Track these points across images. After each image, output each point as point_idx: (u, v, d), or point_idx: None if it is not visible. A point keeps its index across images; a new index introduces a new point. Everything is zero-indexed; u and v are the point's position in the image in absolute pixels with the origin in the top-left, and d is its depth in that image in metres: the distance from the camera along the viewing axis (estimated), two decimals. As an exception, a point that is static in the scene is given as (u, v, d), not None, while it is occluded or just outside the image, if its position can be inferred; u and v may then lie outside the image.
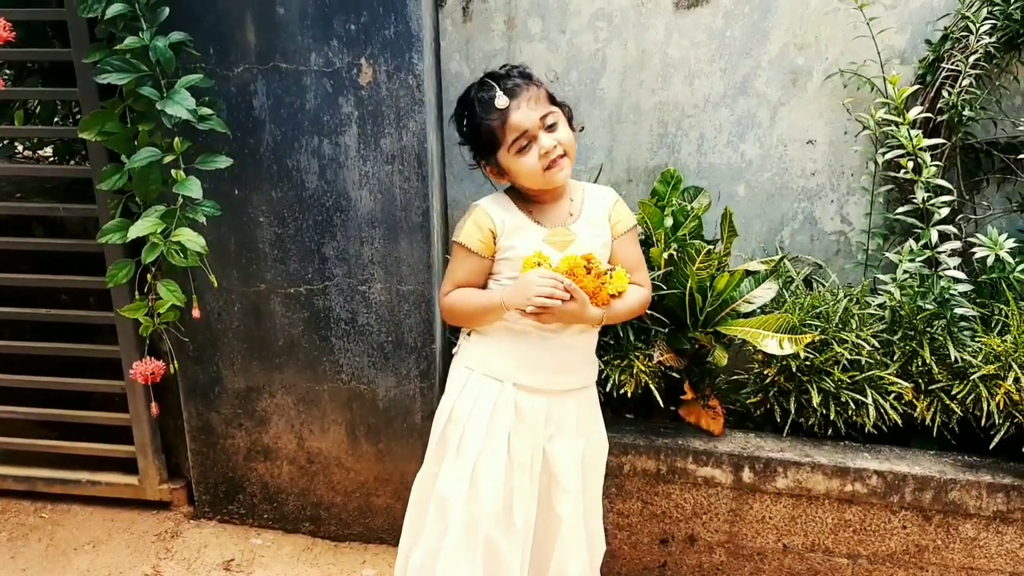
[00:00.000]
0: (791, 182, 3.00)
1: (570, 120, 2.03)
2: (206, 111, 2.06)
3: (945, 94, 2.69)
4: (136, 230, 1.97)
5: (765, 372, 2.64)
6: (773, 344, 2.44)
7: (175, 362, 2.41)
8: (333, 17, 2.27)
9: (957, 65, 2.65)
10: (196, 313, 2.21)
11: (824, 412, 2.60)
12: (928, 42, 2.76)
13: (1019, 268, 2.61)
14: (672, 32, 2.82)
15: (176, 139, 2.04)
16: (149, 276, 2.20)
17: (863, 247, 2.93)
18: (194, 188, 1.99)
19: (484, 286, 2.10)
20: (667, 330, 2.66)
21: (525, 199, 2.06)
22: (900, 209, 2.62)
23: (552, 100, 1.99)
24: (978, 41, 2.59)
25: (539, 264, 1.92)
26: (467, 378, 2.10)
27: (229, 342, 2.65)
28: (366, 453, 2.73)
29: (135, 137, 2.15)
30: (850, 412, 2.58)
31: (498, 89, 1.90)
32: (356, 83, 2.33)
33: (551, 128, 1.94)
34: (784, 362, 2.57)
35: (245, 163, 2.42)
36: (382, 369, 2.62)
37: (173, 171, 2.02)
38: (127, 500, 2.97)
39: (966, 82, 2.64)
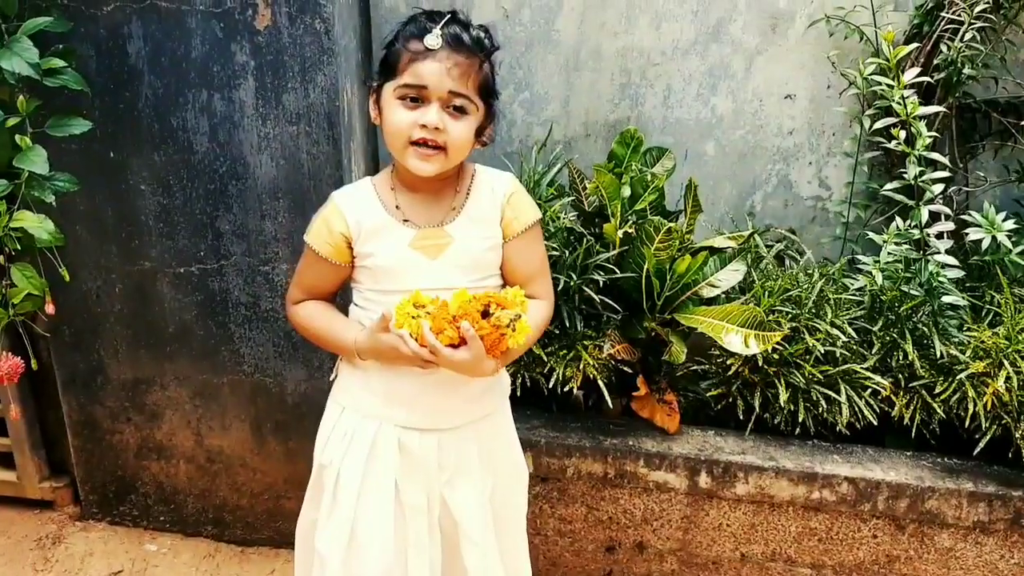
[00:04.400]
0: (766, 140, 2.77)
1: (482, 128, 1.60)
2: (58, 63, 1.69)
3: (944, 48, 2.41)
4: (-33, 211, 1.63)
5: (728, 363, 2.39)
6: (737, 341, 2.16)
7: (35, 357, 2.03)
8: (222, -54, 1.90)
9: (959, 15, 2.35)
10: (50, 308, 1.86)
11: (792, 409, 2.36)
12: (927, -14, 2.49)
13: (1017, 251, 2.34)
14: (638, -33, 2.55)
15: (20, 98, 1.68)
16: (0, 259, 1.86)
17: (842, 219, 2.67)
18: (37, 160, 1.63)
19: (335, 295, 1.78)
20: (620, 317, 2.38)
21: (398, 185, 1.66)
22: (889, 186, 2.33)
23: (484, 91, 1.55)
24: (985, -12, 2.31)
25: (416, 310, 1.48)
26: (339, 415, 1.76)
27: (111, 327, 2.33)
28: (274, 452, 2.44)
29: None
30: (821, 410, 2.35)
31: (441, 28, 1.49)
32: (252, 27, 1.97)
33: (455, 112, 1.52)
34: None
35: (121, 121, 2.07)
36: (290, 360, 2.32)
37: (17, 137, 1.66)
38: (7, 498, 2.67)
39: (969, 35, 2.35)
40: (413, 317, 1.47)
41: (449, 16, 1.51)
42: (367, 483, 1.68)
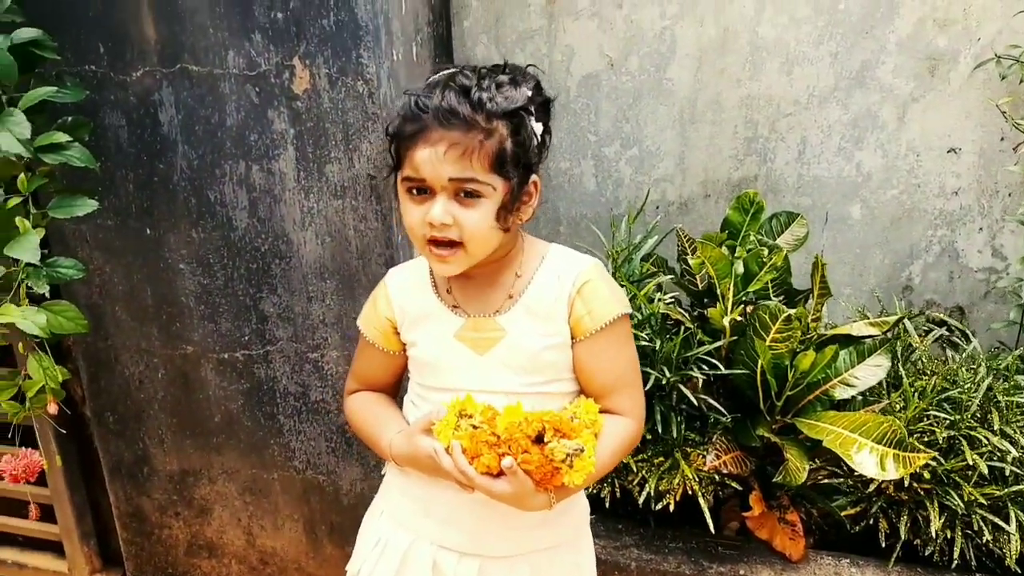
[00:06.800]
0: (924, 202, 2.38)
1: (511, 201, 1.27)
2: (61, 138, 1.54)
3: None
4: (-47, 304, 1.49)
5: (868, 477, 1.98)
6: (870, 462, 1.77)
7: (78, 442, 1.92)
8: (252, 1, 1.71)
9: None
10: (52, 408, 1.70)
11: (949, 536, 1.94)
12: None
13: None
14: (765, 5, 2.27)
15: (22, 175, 1.54)
16: (21, 346, 1.73)
17: (1019, 300, 2.22)
18: (28, 248, 1.47)
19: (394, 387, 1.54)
20: (731, 419, 2.02)
21: None
22: (1070, 268, 1.89)
23: (499, 166, 1.23)
24: None
25: (460, 419, 1.23)
26: (377, 519, 1.54)
27: (155, 415, 2.19)
28: (331, 558, 2.23)
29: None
30: (985, 540, 1.92)
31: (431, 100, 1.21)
32: (289, 91, 1.78)
33: (466, 199, 1.24)
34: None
35: (156, 195, 1.93)
36: (344, 457, 2.10)
37: (17, 220, 1.52)
38: (59, 589, 2.56)
39: None
40: (455, 428, 1.22)
41: (444, 78, 1.23)
42: None
